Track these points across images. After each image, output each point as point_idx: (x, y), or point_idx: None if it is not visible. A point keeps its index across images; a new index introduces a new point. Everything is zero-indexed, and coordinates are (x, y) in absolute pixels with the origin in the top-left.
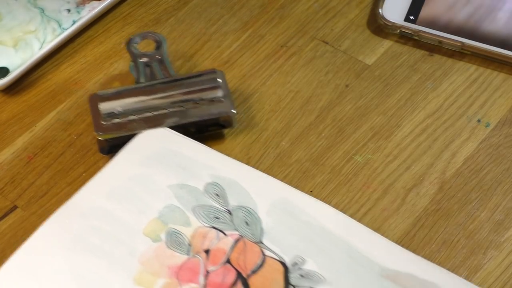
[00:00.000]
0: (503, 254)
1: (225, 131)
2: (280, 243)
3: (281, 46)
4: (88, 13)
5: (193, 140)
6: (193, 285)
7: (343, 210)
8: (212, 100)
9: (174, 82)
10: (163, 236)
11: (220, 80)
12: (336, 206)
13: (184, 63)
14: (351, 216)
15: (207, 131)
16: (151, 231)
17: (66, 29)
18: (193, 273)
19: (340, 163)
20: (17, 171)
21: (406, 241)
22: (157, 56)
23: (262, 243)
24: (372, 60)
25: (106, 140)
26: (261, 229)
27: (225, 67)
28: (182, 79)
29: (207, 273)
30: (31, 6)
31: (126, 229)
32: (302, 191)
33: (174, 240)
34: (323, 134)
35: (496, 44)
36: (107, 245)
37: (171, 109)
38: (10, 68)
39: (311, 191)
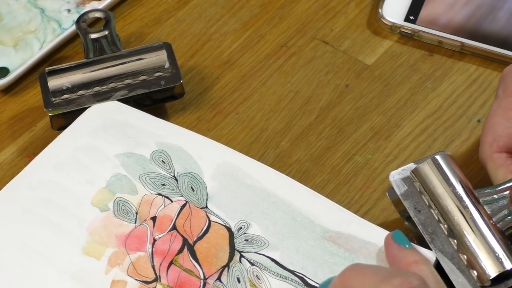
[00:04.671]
0: None
1: (225, 131)
2: (225, 207)
3: (281, 46)
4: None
5: (140, 111)
6: (140, 253)
7: None
8: (159, 72)
9: (122, 56)
10: (110, 205)
11: (167, 53)
12: None
13: (184, 63)
14: None
15: (160, 102)
16: (99, 201)
17: (66, 29)
18: (140, 241)
19: (340, 163)
20: (18, 171)
21: None
22: (105, 32)
23: (207, 208)
24: (372, 60)
25: (58, 116)
26: (206, 194)
27: (225, 67)
28: (129, 53)
29: (154, 241)
30: (31, 6)
31: (74, 199)
32: None
33: (122, 209)
34: (323, 134)
35: (496, 44)
36: (55, 216)
37: (119, 83)
38: (10, 68)
39: None
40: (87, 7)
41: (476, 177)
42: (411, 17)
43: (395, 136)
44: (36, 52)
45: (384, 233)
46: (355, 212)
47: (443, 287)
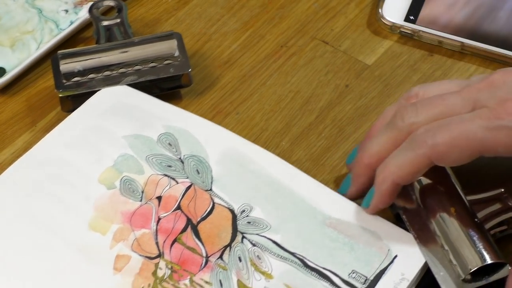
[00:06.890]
0: None
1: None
2: (229, 191)
3: (281, 46)
4: (86, 13)
5: (149, 95)
6: (145, 230)
7: None
8: (169, 60)
9: (133, 43)
10: (117, 183)
11: (176, 42)
12: None
13: None
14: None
15: (167, 91)
16: (105, 179)
17: (64, 29)
18: (145, 219)
19: (340, 163)
20: None
21: None
22: (117, 20)
23: (211, 190)
24: (372, 60)
25: (68, 98)
26: (211, 177)
27: (225, 67)
28: (140, 40)
29: (159, 219)
30: (29, 6)
31: (82, 176)
32: None
33: (128, 187)
34: (323, 134)
35: (496, 44)
36: (63, 192)
37: (129, 69)
38: (7, 68)
39: None
40: (85, 8)
41: (477, 175)
42: (411, 17)
43: None
44: (33, 52)
45: (382, 222)
46: None
47: None
